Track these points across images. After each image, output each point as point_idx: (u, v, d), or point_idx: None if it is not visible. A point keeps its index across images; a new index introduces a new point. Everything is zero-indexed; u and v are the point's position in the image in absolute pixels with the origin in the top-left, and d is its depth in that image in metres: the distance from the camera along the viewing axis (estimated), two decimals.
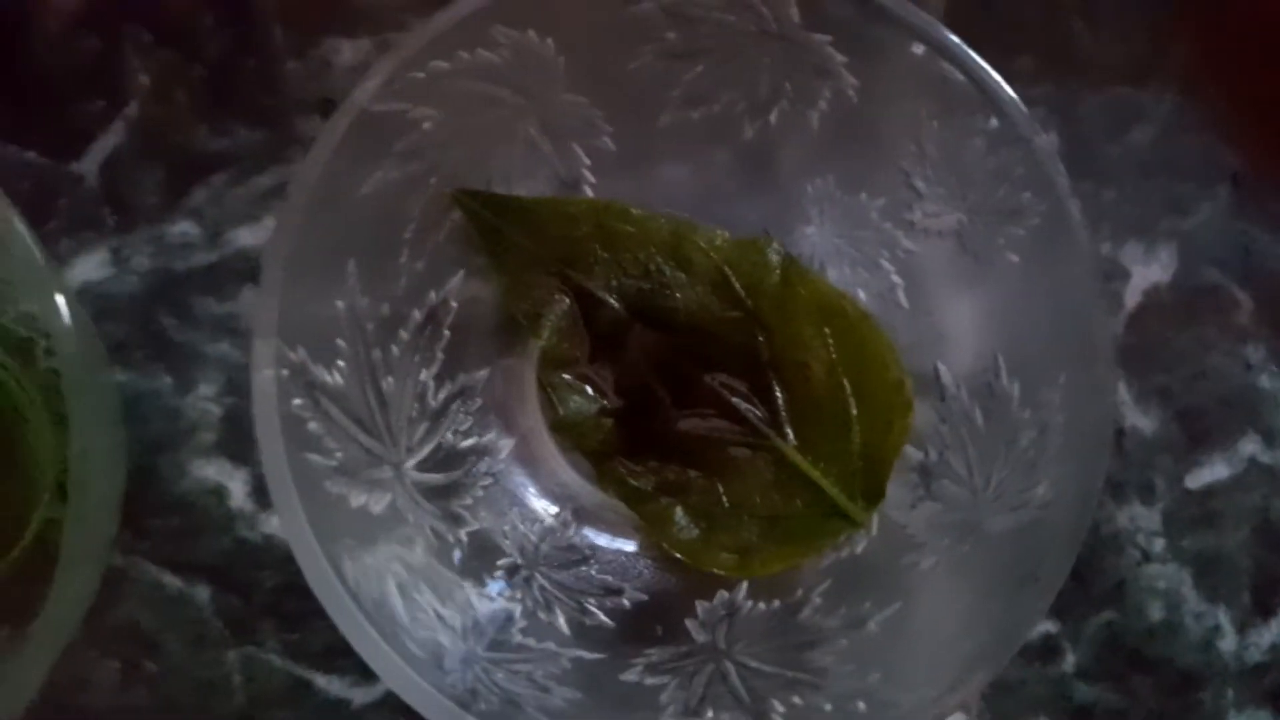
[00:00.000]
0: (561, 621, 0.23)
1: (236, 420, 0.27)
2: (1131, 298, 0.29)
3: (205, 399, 0.27)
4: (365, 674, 0.27)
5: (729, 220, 0.26)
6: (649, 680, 0.22)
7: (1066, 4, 0.29)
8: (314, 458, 0.20)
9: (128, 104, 0.28)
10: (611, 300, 0.26)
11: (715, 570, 0.25)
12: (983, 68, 0.20)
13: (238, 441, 0.27)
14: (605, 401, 0.26)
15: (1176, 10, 0.29)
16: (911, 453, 0.24)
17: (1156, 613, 0.28)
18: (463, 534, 0.23)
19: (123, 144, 0.28)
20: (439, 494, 0.23)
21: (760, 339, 0.26)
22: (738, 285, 0.26)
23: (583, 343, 0.26)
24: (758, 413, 0.26)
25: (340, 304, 0.21)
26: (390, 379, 0.23)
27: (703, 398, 0.26)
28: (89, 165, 0.28)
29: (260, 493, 0.27)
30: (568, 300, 0.26)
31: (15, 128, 0.28)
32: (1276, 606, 0.28)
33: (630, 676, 0.22)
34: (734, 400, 0.26)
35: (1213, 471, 0.29)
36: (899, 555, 0.23)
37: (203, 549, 0.27)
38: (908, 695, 0.20)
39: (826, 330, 0.25)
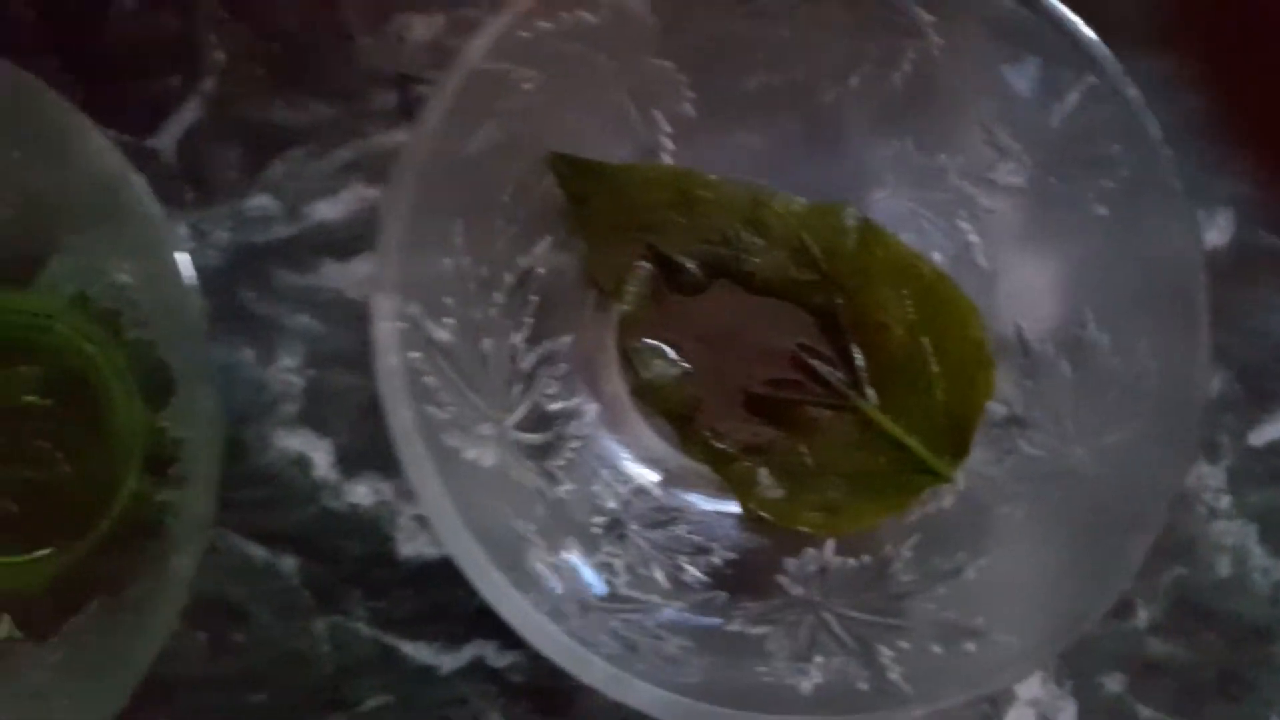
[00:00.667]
0: (660, 576, 0.24)
1: (319, 391, 0.28)
2: None
3: (287, 370, 0.28)
4: (452, 640, 0.27)
5: (801, 186, 0.26)
6: (752, 630, 0.22)
7: None
8: (431, 410, 0.20)
9: (204, 80, 0.28)
10: (691, 266, 0.26)
11: (802, 528, 0.25)
12: (1073, 21, 0.21)
13: (320, 412, 0.28)
14: (686, 365, 0.27)
15: None
16: (998, 407, 0.25)
17: (1224, 568, 0.29)
18: (560, 491, 0.24)
19: (200, 119, 0.28)
20: (536, 453, 0.24)
21: (838, 302, 0.26)
22: (815, 249, 0.26)
23: (663, 307, 0.27)
24: (838, 374, 0.26)
25: (447, 262, 0.21)
26: (488, 340, 0.23)
27: (783, 361, 0.27)
28: (166, 141, 0.28)
29: (345, 462, 0.28)
30: (648, 265, 0.26)
31: (92, 105, 0.27)
32: None
33: (734, 627, 0.22)
34: (814, 363, 0.26)
35: (1275, 429, 0.29)
36: (990, 507, 0.24)
37: (288, 519, 0.27)
38: (1017, 637, 0.21)
39: (904, 292, 0.26)
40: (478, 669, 0.27)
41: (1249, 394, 0.30)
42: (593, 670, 0.19)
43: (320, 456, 0.28)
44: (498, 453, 0.22)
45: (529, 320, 0.25)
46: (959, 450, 0.25)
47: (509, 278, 0.24)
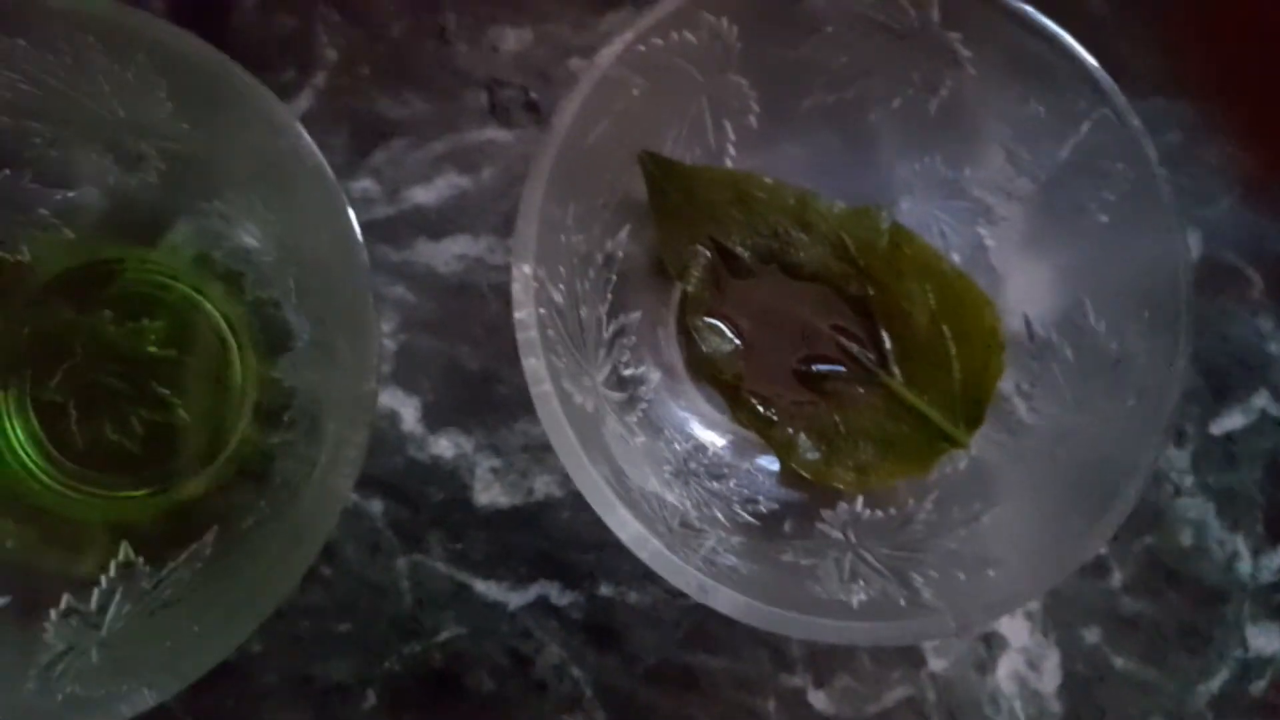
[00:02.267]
0: (720, 516, 0.27)
1: (409, 354, 0.31)
2: None
3: (383, 335, 0.31)
4: (519, 580, 0.31)
5: (839, 190, 0.30)
6: (804, 561, 0.26)
7: (1110, 23, 0.34)
8: (552, 358, 0.24)
9: (315, 74, 0.31)
10: (745, 254, 0.30)
11: (837, 485, 0.29)
12: (1090, 61, 0.25)
13: (410, 372, 0.31)
14: (739, 341, 0.30)
15: (1203, 30, 0.35)
16: (1007, 383, 0.29)
17: (1187, 539, 0.33)
18: (636, 442, 0.27)
19: (311, 109, 0.31)
20: (617, 408, 0.27)
21: (870, 292, 0.30)
22: (852, 246, 0.30)
23: (720, 290, 0.30)
24: (869, 354, 0.30)
25: (562, 238, 0.25)
26: (584, 308, 0.27)
27: (822, 341, 0.31)
28: None
29: (429, 418, 0.31)
30: (709, 253, 0.30)
31: None
32: None
33: (788, 557, 0.26)
34: (849, 344, 0.30)
35: (1231, 420, 0.34)
36: (1000, 467, 0.28)
37: (378, 467, 0.30)
38: (1028, 567, 0.25)
39: (927, 285, 0.30)
40: (541, 606, 0.31)
41: (1211, 390, 0.34)
42: (686, 578, 0.23)
43: (408, 412, 0.31)
44: (593, 401, 0.26)
45: (610, 296, 0.28)
46: (973, 420, 0.29)
47: (599, 257, 0.27)
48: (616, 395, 0.28)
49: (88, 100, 0.25)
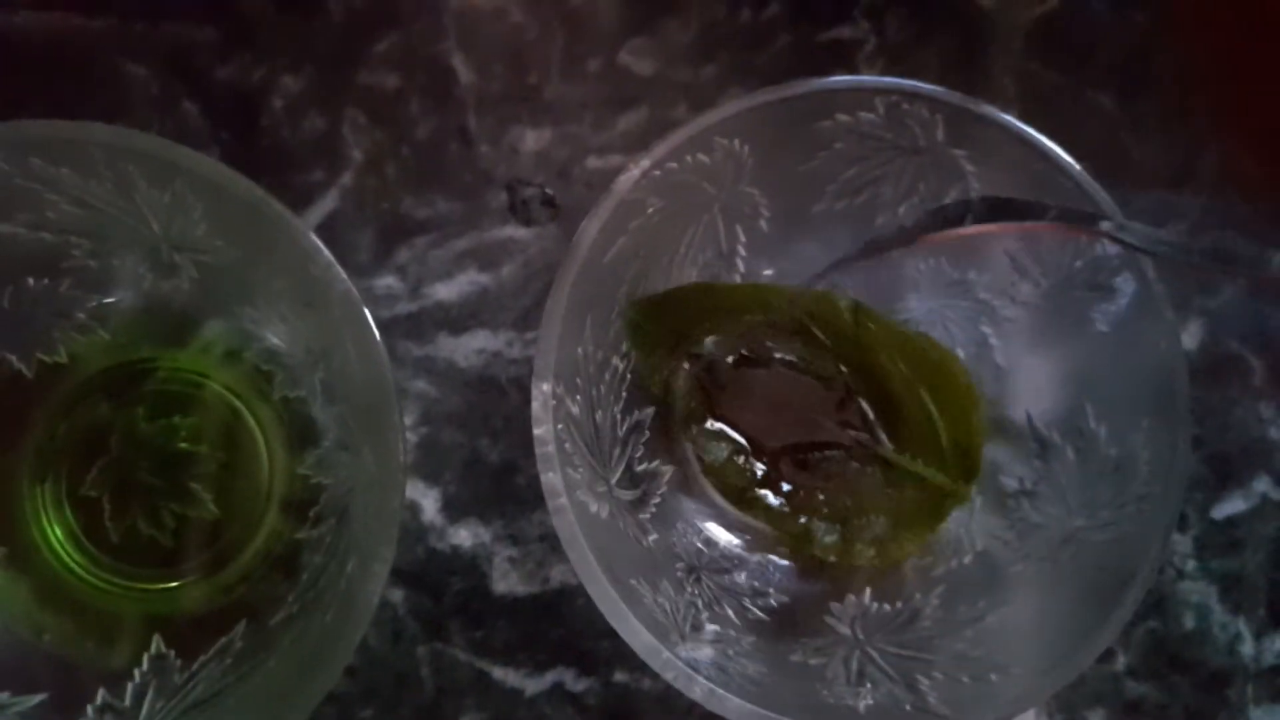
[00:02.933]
0: (731, 614, 0.28)
1: (430, 446, 0.32)
2: None
3: (405, 432, 0.32)
4: (536, 667, 0.32)
5: (847, 285, 0.31)
6: (812, 661, 0.27)
7: (1117, 118, 0.35)
8: (569, 471, 0.25)
9: (343, 175, 0.33)
10: (720, 359, 0.31)
11: (861, 564, 0.30)
12: (1090, 183, 0.26)
13: (430, 464, 0.32)
14: (742, 440, 0.31)
15: (1209, 123, 0.35)
16: (1011, 481, 0.30)
17: (1189, 622, 0.34)
18: (650, 540, 0.28)
19: (337, 208, 0.32)
20: (631, 508, 0.28)
21: (843, 370, 0.31)
22: (817, 330, 0.31)
23: (707, 399, 0.31)
24: (859, 434, 0.31)
25: (580, 350, 0.26)
26: (600, 412, 0.28)
27: (822, 428, 0.31)
28: (308, 225, 0.32)
29: (449, 509, 0.32)
30: (686, 365, 0.31)
31: None
32: None
33: (796, 657, 0.27)
34: (836, 425, 0.31)
35: (1233, 505, 0.35)
36: (1005, 565, 0.29)
37: (399, 557, 0.31)
38: (1032, 670, 0.25)
39: (896, 355, 0.31)
40: (558, 693, 0.31)
41: (1213, 475, 0.35)
42: (696, 687, 0.24)
43: (428, 503, 0.32)
44: (610, 507, 0.26)
45: (624, 395, 0.29)
46: (969, 472, 0.30)
47: (615, 360, 0.28)
48: (629, 494, 0.28)
49: (127, 218, 0.26)
